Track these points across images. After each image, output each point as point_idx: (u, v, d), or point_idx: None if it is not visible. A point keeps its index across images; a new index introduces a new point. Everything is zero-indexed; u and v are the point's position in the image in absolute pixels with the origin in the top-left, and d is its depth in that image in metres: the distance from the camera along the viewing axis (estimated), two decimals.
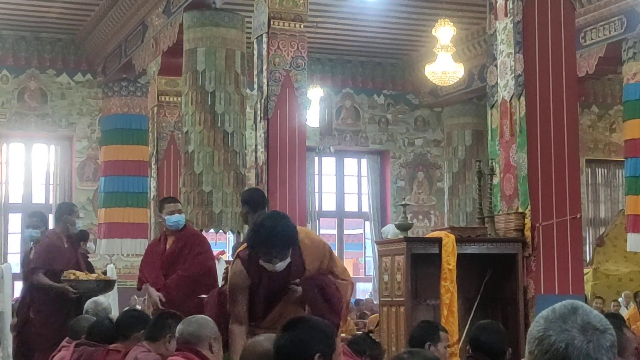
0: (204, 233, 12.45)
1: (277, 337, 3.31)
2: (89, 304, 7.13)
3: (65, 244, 8.45)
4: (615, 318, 6.09)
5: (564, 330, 1.98)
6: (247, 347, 3.77)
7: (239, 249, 5.25)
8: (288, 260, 4.89)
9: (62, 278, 8.18)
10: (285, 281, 5.02)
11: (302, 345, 3.20)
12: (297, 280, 5.03)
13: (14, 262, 18.27)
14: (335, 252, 24.14)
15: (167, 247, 7.80)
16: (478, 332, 5.27)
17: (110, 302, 8.33)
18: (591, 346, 1.96)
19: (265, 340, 3.71)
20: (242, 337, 4.92)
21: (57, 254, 8.38)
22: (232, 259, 5.30)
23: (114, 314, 8.46)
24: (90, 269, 8.97)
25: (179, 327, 4.60)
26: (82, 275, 8.27)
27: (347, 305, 5.43)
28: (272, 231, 4.76)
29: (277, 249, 4.80)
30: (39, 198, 19.27)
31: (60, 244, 8.43)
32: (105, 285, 8.55)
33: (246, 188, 12.93)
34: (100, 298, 7.67)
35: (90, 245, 11.60)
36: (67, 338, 6.45)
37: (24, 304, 8.72)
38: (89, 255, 10.89)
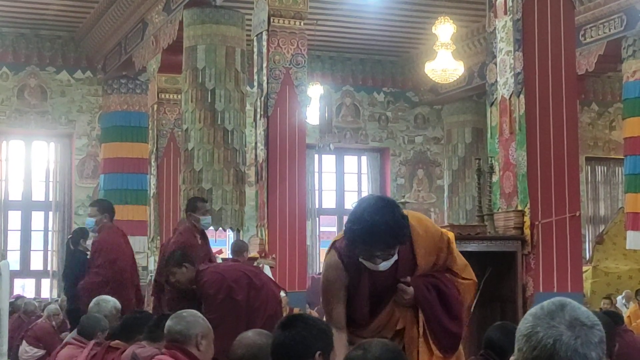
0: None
1: (275, 335, 3.30)
2: (92, 304, 7.08)
3: (198, 240, 8.16)
4: (612, 316, 6.11)
5: (551, 326, 1.97)
6: (235, 341, 3.76)
7: (336, 238, 4.24)
8: (394, 258, 3.93)
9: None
10: (392, 279, 4.04)
11: (302, 343, 3.18)
12: (408, 279, 4.05)
13: (13, 260, 18.35)
14: None
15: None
16: (492, 332, 5.27)
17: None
18: (579, 342, 1.96)
19: (254, 333, 3.71)
20: (342, 346, 3.88)
21: (191, 252, 8.07)
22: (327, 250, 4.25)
23: None
24: None
25: (168, 322, 4.45)
26: None
27: (468, 311, 4.47)
28: (373, 227, 3.75)
29: (381, 246, 3.83)
30: (38, 195, 19.27)
31: (194, 241, 8.10)
32: None
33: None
34: (106, 297, 7.60)
35: (89, 242, 11.56)
36: (72, 334, 6.45)
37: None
38: (88, 252, 10.86)
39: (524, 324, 2.02)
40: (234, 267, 7.30)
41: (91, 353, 5.48)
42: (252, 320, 6.69)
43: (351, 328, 4.09)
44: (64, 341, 6.34)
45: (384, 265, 3.90)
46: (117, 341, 5.43)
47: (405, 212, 3.95)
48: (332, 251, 4.13)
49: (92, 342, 5.72)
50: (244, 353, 3.62)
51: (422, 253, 4.05)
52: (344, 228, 3.93)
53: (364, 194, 20.80)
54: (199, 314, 4.58)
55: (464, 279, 4.21)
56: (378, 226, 3.73)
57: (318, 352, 3.17)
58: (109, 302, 6.96)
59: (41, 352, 10.17)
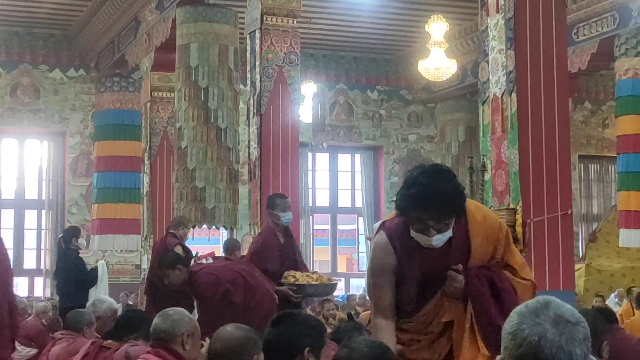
0: (197, 229, 12.48)
1: (266, 332, 3.32)
2: (88, 304, 7.06)
3: (280, 239, 7.86)
4: (605, 313, 6.11)
5: (536, 323, 2.00)
6: (214, 334, 3.75)
7: (386, 219, 3.91)
8: (449, 233, 3.61)
9: (281, 280, 7.65)
10: (443, 265, 3.70)
11: (291, 339, 3.20)
12: (459, 266, 3.70)
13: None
14: (329, 248, 23.94)
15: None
16: None
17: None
18: (563, 338, 1.98)
19: (232, 327, 3.70)
20: (391, 337, 3.67)
21: (269, 254, 7.81)
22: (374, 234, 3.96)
23: None
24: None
25: (155, 320, 4.42)
26: (301, 278, 7.66)
27: None
28: (429, 190, 3.46)
29: (436, 214, 3.52)
30: (31, 194, 19.25)
31: (274, 241, 7.84)
32: (327, 288, 7.95)
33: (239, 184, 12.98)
34: (102, 298, 7.58)
35: (81, 241, 11.56)
36: (62, 331, 6.44)
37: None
38: (80, 251, 10.87)
39: (510, 322, 2.05)
40: (228, 267, 7.19)
41: (91, 351, 5.47)
42: (248, 321, 6.65)
43: (396, 318, 3.79)
44: (55, 339, 6.33)
45: (438, 240, 3.57)
46: (109, 341, 5.42)
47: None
48: (381, 232, 3.79)
49: (89, 341, 5.71)
50: (222, 347, 3.62)
51: (477, 241, 3.72)
52: (395, 203, 3.63)
53: (358, 192, 20.83)
54: (185, 312, 4.53)
55: (522, 278, 3.84)
56: (434, 190, 3.46)
57: (307, 349, 3.18)
58: (104, 302, 6.96)
59: (34, 350, 10.13)
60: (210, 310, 6.47)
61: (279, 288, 7.55)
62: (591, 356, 2.05)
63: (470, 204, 3.77)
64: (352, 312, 13.05)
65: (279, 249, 7.75)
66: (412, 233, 3.61)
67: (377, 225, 3.89)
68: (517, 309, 2.07)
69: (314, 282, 7.65)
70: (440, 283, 3.72)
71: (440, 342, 3.76)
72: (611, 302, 14.13)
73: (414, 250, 3.66)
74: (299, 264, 7.97)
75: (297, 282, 7.58)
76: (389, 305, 3.75)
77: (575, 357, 1.98)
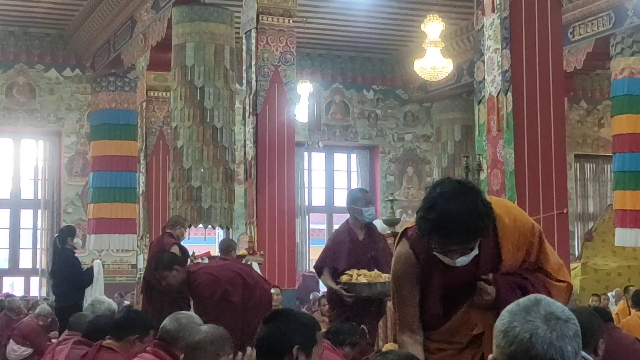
0: (192, 228, 12.47)
1: (258, 329, 3.33)
2: (87, 305, 7.05)
3: (360, 236, 7.27)
4: (600, 312, 6.12)
5: (527, 321, 2.02)
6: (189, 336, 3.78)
7: (407, 225, 3.62)
8: (475, 252, 3.31)
9: (337, 280, 7.12)
10: (471, 275, 3.44)
11: (280, 337, 3.21)
12: (490, 276, 3.45)
13: (2, 258, 18.34)
14: None
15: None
16: None
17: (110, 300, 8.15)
18: (554, 335, 2.01)
19: (209, 326, 3.70)
20: (420, 351, 3.48)
21: (338, 254, 7.26)
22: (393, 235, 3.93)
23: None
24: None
25: (165, 320, 4.44)
26: (354, 276, 7.00)
27: None
28: (448, 217, 3.16)
29: (456, 240, 3.24)
30: (27, 193, 19.23)
31: (346, 239, 7.25)
32: (385, 287, 6.81)
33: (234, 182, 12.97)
34: (101, 298, 7.56)
35: (77, 240, 11.56)
36: (66, 331, 6.44)
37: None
38: (75, 250, 10.86)
39: (501, 320, 2.08)
40: (226, 267, 7.14)
41: (75, 352, 5.46)
42: (247, 320, 6.63)
43: (422, 330, 3.56)
44: (59, 340, 6.30)
45: (462, 261, 3.30)
46: (109, 341, 5.38)
47: (489, 198, 3.40)
48: (404, 241, 3.52)
49: (72, 340, 5.69)
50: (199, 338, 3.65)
51: (509, 248, 3.45)
52: (416, 222, 3.32)
53: None
54: (196, 317, 4.51)
55: (558, 281, 3.57)
56: (454, 217, 3.14)
57: (296, 347, 3.18)
58: (104, 303, 6.95)
59: (29, 350, 10.14)
60: (209, 311, 6.41)
61: (333, 287, 7.07)
62: (583, 352, 2.06)
63: (499, 207, 3.41)
64: None
65: (351, 248, 7.17)
66: (435, 251, 3.32)
67: (400, 232, 3.62)
68: (509, 307, 2.10)
69: (366, 280, 6.93)
70: (468, 294, 3.46)
71: (467, 353, 3.55)
72: (612, 301, 14.12)
73: (439, 260, 3.36)
74: (380, 262, 7.12)
75: (349, 282, 6.94)
76: (415, 319, 3.53)
77: (566, 353, 2.00)
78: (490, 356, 2.09)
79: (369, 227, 7.31)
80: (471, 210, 3.17)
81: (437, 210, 3.17)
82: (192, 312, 4.66)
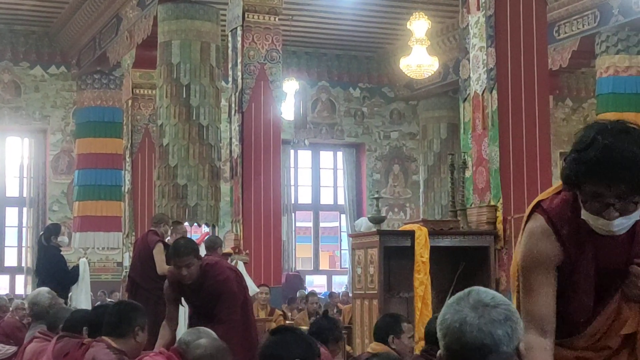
0: None
1: (264, 339, 3.44)
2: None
3: None
4: None
5: (457, 311, 2.10)
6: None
7: (541, 198, 2.84)
8: (636, 216, 2.58)
9: None
10: (624, 257, 2.70)
11: (284, 348, 3.30)
12: None
13: None
14: (311, 245, 23.93)
15: None
16: (432, 324, 5.24)
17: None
18: (482, 321, 2.07)
19: (208, 340, 3.75)
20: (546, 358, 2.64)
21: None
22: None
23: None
24: None
25: (185, 330, 4.44)
26: None
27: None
28: (614, 154, 2.46)
29: (622, 188, 2.49)
30: (12, 191, 19.17)
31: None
32: None
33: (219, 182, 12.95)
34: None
35: (64, 238, 11.52)
36: (40, 329, 6.41)
37: None
38: (61, 248, 10.82)
39: (439, 315, 2.16)
40: (227, 264, 6.94)
41: (57, 347, 5.43)
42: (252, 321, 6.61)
43: (557, 335, 2.72)
44: (31, 336, 6.29)
45: (620, 225, 2.57)
46: (109, 341, 5.23)
47: None
48: (537, 215, 2.75)
49: (56, 336, 5.68)
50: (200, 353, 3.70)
51: None
52: (562, 172, 2.63)
53: (340, 189, 20.84)
54: (215, 336, 4.35)
55: None
56: (622, 154, 2.45)
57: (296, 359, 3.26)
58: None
59: (13, 348, 10.08)
60: (235, 308, 6.14)
61: None
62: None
63: None
64: (334, 310, 13.10)
65: None
66: (584, 214, 2.60)
67: (530, 207, 2.83)
68: (447, 301, 2.17)
69: None
70: (619, 282, 2.72)
71: None
72: None
73: (586, 237, 2.67)
74: None
75: None
76: (548, 316, 2.68)
77: (497, 337, 2.06)
78: (438, 352, 2.15)
79: None
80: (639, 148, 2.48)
81: (597, 148, 2.48)
82: (212, 332, 4.47)
